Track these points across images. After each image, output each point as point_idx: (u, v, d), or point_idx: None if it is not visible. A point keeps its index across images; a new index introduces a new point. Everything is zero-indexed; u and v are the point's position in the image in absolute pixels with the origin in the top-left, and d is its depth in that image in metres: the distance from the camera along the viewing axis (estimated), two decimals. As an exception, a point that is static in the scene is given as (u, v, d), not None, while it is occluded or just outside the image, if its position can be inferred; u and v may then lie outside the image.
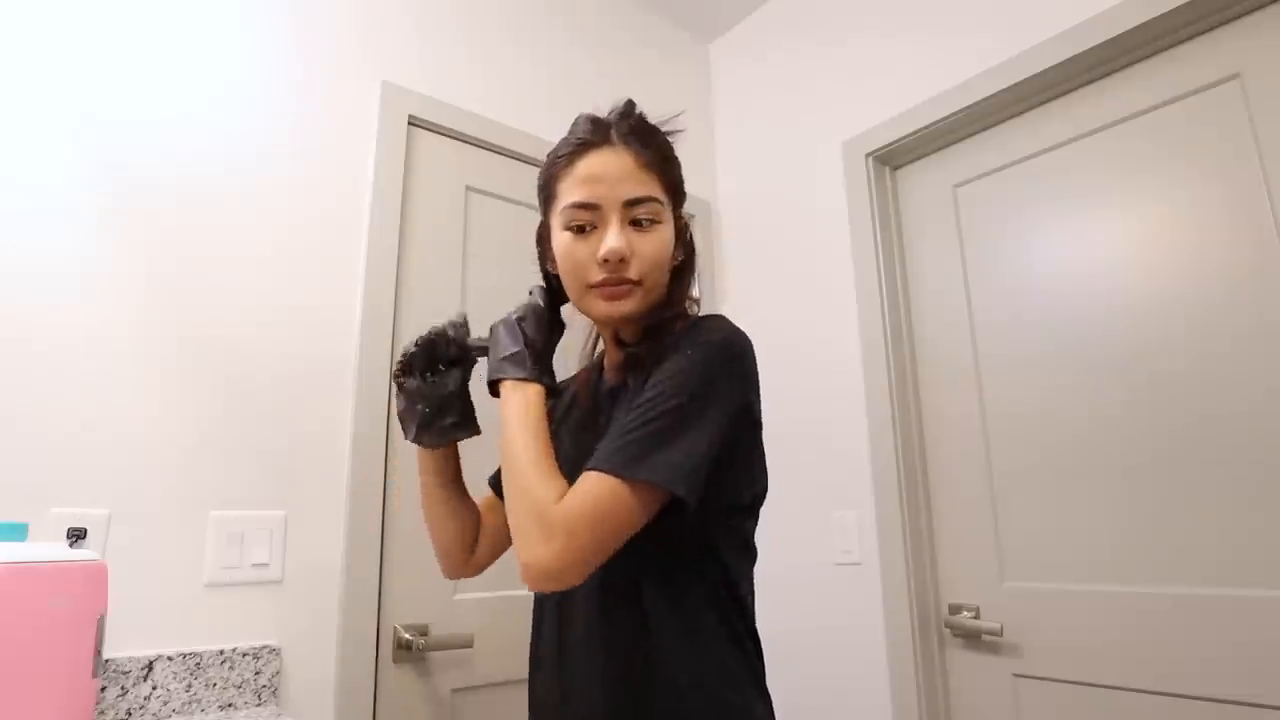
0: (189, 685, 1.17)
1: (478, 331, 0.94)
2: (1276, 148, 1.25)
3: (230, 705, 1.20)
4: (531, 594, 0.86)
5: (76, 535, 1.11)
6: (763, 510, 0.85)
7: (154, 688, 1.14)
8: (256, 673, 1.23)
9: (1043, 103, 1.57)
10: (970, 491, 1.59)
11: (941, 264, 1.71)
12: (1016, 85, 1.54)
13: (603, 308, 0.81)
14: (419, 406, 0.90)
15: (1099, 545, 1.38)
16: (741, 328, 0.81)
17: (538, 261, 0.92)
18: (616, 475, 0.68)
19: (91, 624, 0.92)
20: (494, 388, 0.84)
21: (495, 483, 1.05)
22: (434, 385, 0.90)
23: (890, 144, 1.77)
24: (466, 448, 0.96)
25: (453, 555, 1.00)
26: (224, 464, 1.29)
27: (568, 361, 1.02)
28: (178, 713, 1.15)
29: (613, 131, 0.81)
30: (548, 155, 0.86)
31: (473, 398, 0.94)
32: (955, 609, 1.58)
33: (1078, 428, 1.43)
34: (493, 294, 1.68)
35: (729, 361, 0.75)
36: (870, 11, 1.88)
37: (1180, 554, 1.28)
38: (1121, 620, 1.33)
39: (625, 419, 0.72)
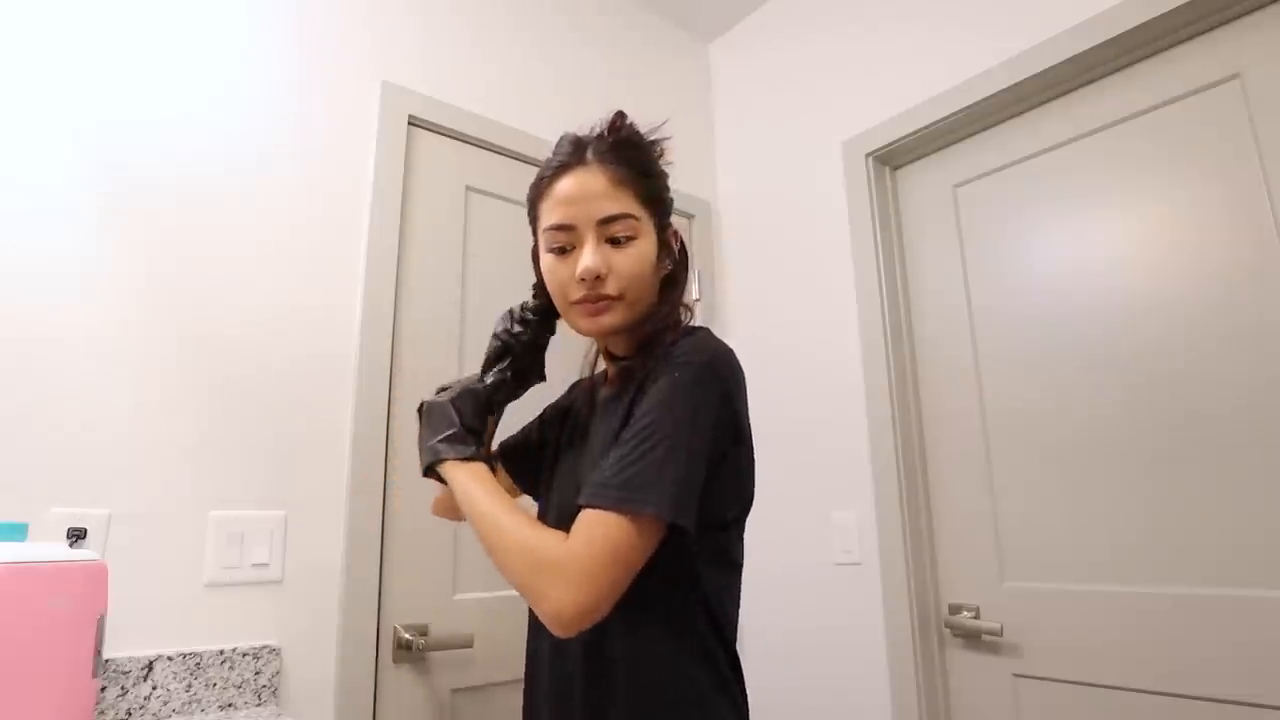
0: (189, 685, 1.17)
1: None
2: (1276, 148, 1.25)
3: (230, 705, 1.20)
4: None
5: (76, 535, 1.11)
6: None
7: (154, 688, 1.14)
8: (256, 673, 1.23)
9: (1043, 103, 1.57)
10: (970, 491, 1.59)
11: (941, 264, 1.71)
12: (1016, 85, 1.54)
13: (585, 324, 0.85)
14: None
15: (1099, 545, 1.38)
16: (725, 343, 0.83)
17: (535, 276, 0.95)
18: (620, 512, 0.69)
19: (91, 624, 0.92)
20: (431, 470, 0.88)
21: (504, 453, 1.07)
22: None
23: (890, 144, 1.77)
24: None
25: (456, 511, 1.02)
26: (224, 464, 1.29)
27: (568, 376, 1.03)
28: (178, 713, 1.15)
29: (589, 151, 0.84)
30: (535, 176, 0.89)
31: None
32: (955, 609, 1.58)
33: (1078, 428, 1.43)
34: (493, 294, 1.68)
35: (713, 384, 0.76)
36: (870, 11, 1.88)
37: (1180, 554, 1.28)
38: (1121, 620, 1.33)
39: (618, 450, 0.74)
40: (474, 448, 0.87)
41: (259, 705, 1.22)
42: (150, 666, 1.14)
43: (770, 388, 1.96)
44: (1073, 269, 1.48)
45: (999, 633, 1.47)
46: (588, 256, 0.81)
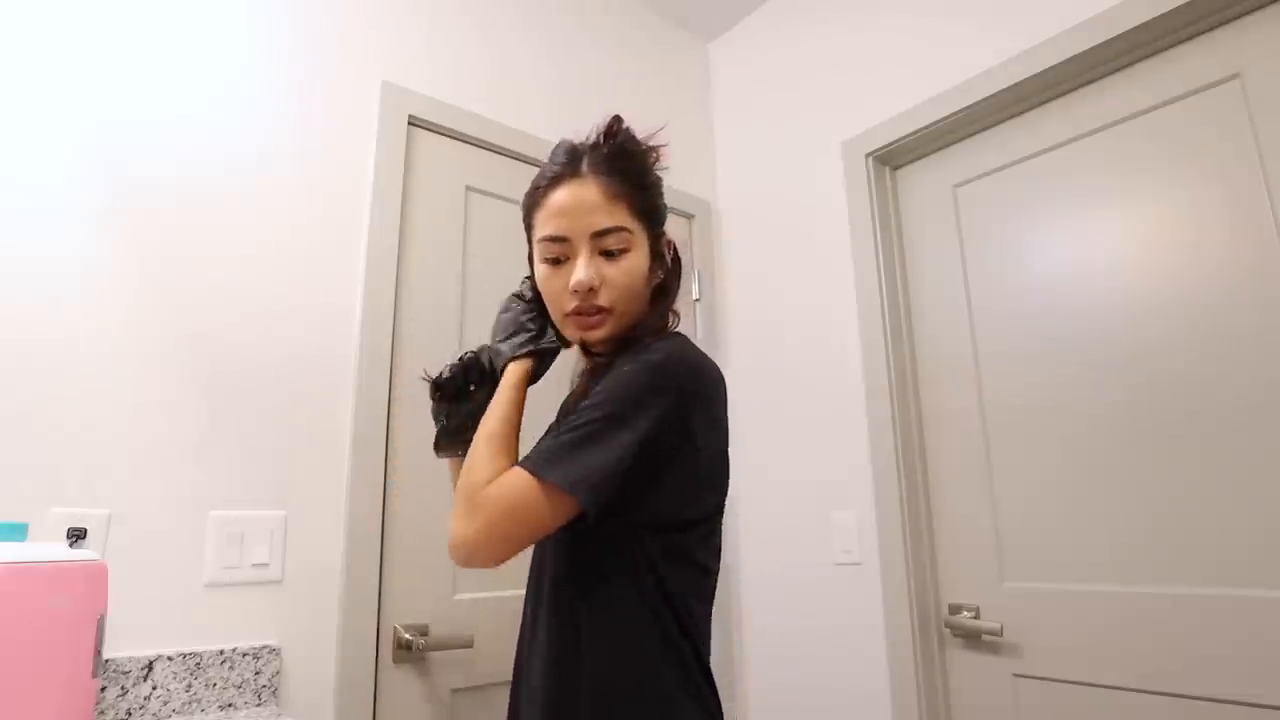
0: (189, 685, 1.17)
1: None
2: (1276, 148, 1.25)
3: (230, 705, 1.20)
4: None
5: (76, 535, 1.11)
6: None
7: (154, 688, 1.14)
8: (256, 673, 1.23)
9: (1043, 103, 1.57)
10: (970, 491, 1.59)
11: (941, 264, 1.71)
12: (1016, 85, 1.54)
13: (578, 335, 0.88)
14: (444, 421, 0.97)
15: (1099, 545, 1.38)
16: (694, 351, 0.84)
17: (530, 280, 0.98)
18: (533, 474, 0.75)
19: (91, 624, 0.92)
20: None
21: None
22: (461, 406, 0.96)
23: (890, 144, 1.77)
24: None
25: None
26: (224, 464, 1.29)
27: (561, 379, 1.04)
28: (178, 713, 1.15)
29: (584, 162, 0.85)
30: (530, 184, 0.91)
31: None
32: (955, 609, 1.58)
33: (1078, 428, 1.43)
34: (493, 294, 1.68)
35: (661, 380, 0.78)
36: (870, 11, 1.88)
37: (1180, 554, 1.28)
38: (1121, 620, 1.33)
39: (559, 427, 0.79)
40: (514, 347, 0.91)
41: (259, 705, 1.22)
42: (150, 666, 1.14)
43: (770, 388, 1.96)
44: (1073, 269, 1.48)
45: (999, 633, 1.47)
46: (580, 270, 0.83)
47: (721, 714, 0.82)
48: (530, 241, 0.92)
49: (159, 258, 1.28)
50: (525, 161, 1.79)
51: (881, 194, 1.81)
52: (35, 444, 1.12)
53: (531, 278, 0.95)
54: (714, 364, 0.86)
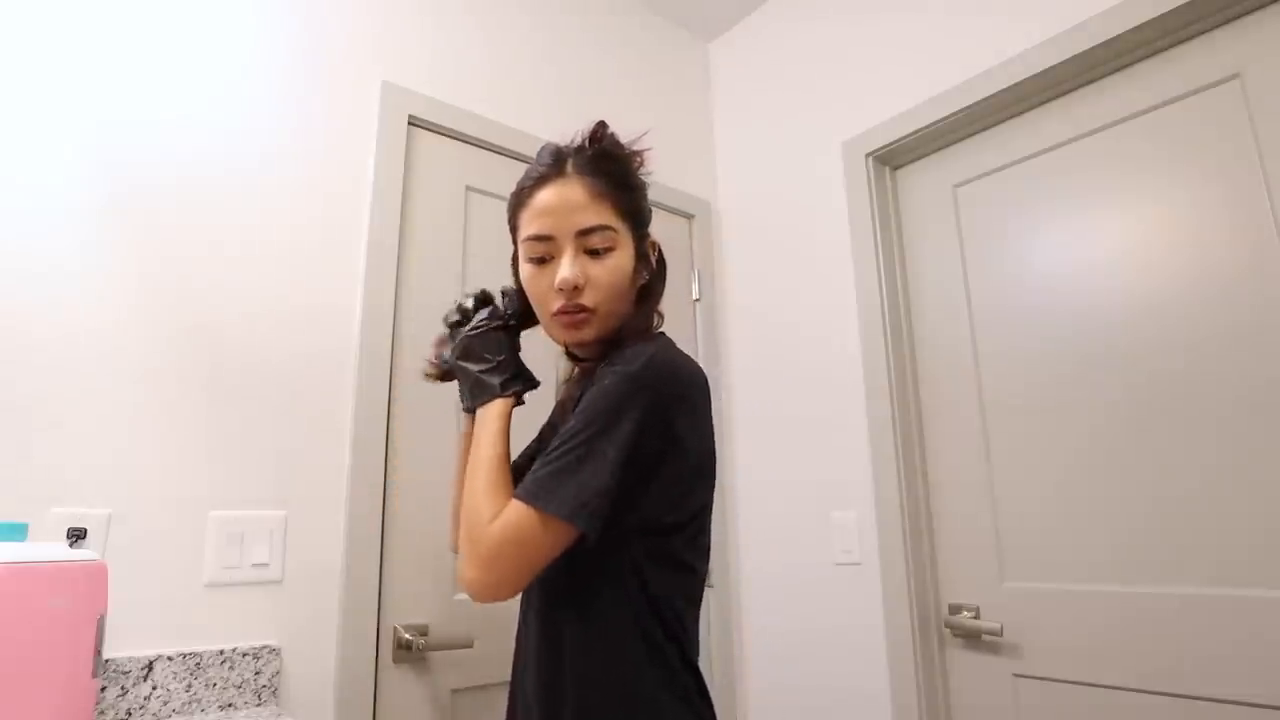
0: (189, 685, 1.17)
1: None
2: (1276, 148, 1.25)
3: (230, 705, 1.20)
4: None
5: (76, 535, 1.11)
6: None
7: (154, 688, 1.14)
8: (256, 673, 1.23)
9: (1043, 103, 1.57)
10: (970, 491, 1.59)
11: (941, 264, 1.71)
12: (1016, 85, 1.54)
13: (563, 336, 0.88)
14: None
15: (1099, 545, 1.38)
16: (674, 353, 0.84)
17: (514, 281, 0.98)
18: (532, 506, 0.75)
19: (91, 624, 0.92)
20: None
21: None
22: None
23: (890, 144, 1.77)
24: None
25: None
26: (224, 464, 1.29)
27: (548, 376, 1.04)
28: (178, 713, 1.15)
29: (569, 163, 0.86)
30: (515, 185, 0.92)
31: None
32: (955, 609, 1.58)
33: (1078, 428, 1.43)
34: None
35: (639, 392, 0.78)
36: (870, 11, 1.88)
37: (1180, 554, 1.28)
38: (1121, 620, 1.33)
39: (546, 451, 0.78)
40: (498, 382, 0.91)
41: (259, 705, 1.22)
42: (150, 666, 1.14)
43: (770, 388, 1.96)
44: (1073, 269, 1.48)
45: (999, 633, 1.47)
46: (565, 267, 0.83)
47: (713, 715, 0.82)
48: (516, 243, 0.92)
49: (159, 257, 1.28)
50: (525, 161, 1.74)
51: (881, 194, 1.81)
52: (35, 444, 1.12)
53: (516, 281, 0.96)
54: (695, 364, 0.86)
